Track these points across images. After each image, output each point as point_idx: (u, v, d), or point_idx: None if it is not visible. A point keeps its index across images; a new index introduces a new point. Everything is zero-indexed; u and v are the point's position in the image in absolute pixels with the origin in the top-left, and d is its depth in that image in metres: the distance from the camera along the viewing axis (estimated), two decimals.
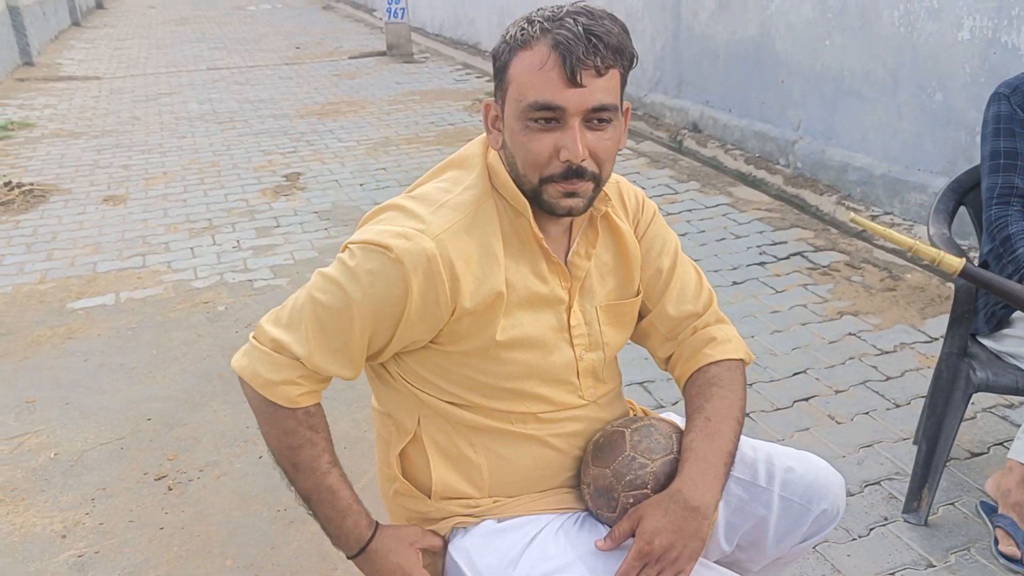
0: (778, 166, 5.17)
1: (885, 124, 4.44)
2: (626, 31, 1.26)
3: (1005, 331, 2.16)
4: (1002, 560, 1.99)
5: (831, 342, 3.28)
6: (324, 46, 12.26)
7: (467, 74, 9.45)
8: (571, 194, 1.27)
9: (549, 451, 1.42)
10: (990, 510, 2.19)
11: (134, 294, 3.96)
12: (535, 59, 1.21)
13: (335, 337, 1.30)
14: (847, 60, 4.62)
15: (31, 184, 5.67)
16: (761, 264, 4.02)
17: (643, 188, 5.13)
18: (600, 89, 1.22)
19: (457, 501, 1.42)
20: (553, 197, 1.28)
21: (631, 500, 1.33)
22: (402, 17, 10.60)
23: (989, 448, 2.61)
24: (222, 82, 9.56)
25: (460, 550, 1.39)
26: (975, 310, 2.21)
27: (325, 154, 6.32)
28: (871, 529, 2.29)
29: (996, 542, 2.04)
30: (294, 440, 1.35)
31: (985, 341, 2.21)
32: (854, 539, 2.26)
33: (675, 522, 1.28)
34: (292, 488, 1.39)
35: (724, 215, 4.69)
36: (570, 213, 1.31)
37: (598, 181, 1.29)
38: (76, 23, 16.08)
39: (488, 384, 1.36)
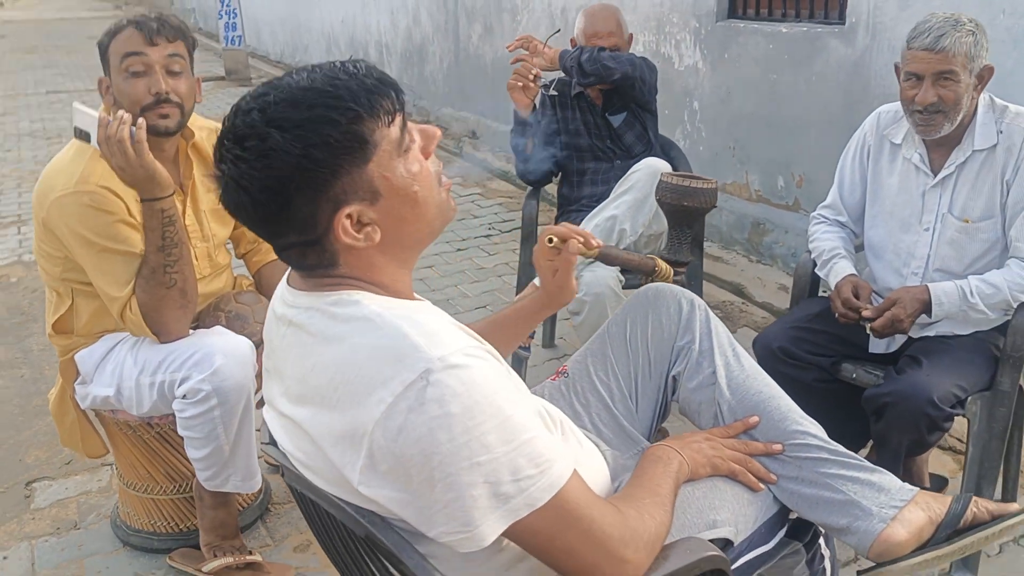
0: None
1: None
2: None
3: None
4: None
5: (515, 287, 4.11)
6: None
7: None
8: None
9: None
10: None
11: None
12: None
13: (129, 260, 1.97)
14: None
15: None
16: (487, 236, 4.86)
17: None
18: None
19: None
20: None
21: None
22: (239, 44, 11.22)
23: None
24: (59, 104, 9.97)
25: None
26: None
27: None
28: None
29: None
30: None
31: None
32: None
33: None
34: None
35: (472, 201, 5.54)
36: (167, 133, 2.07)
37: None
38: None
39: None
